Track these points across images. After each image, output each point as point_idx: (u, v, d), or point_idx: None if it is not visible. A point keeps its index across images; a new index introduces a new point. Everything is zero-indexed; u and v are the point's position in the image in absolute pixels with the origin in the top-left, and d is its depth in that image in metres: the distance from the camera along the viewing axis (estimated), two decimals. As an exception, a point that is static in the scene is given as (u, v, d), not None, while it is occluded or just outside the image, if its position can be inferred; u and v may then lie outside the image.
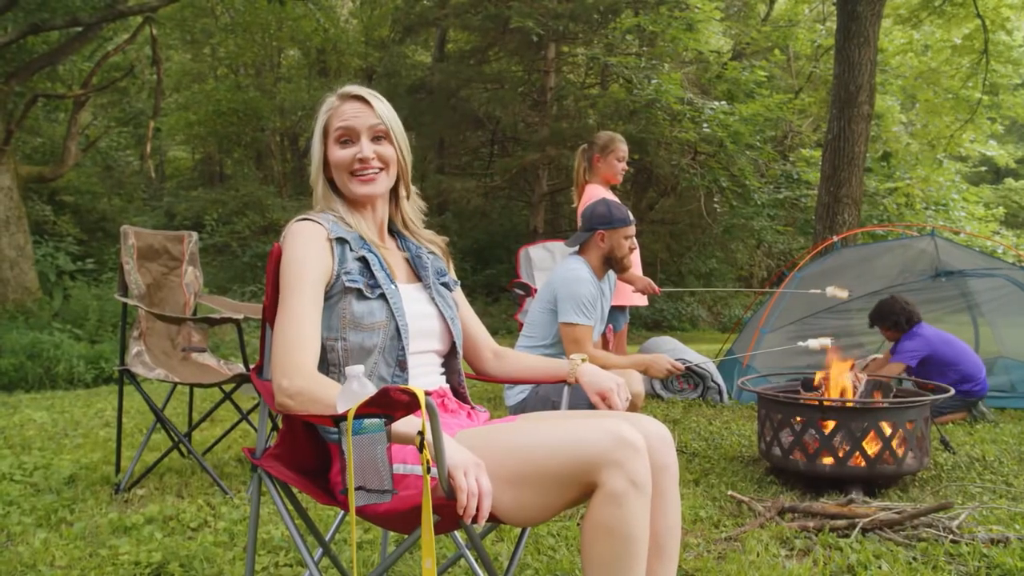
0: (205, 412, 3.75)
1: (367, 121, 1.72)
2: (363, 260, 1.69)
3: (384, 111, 1.74)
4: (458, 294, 1.95)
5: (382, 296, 1.67)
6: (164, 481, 3.46)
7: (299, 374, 1.51)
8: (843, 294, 2.67)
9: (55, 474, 3.56)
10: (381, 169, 1.74)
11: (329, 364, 1.66)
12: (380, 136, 1.74)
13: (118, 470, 3.54)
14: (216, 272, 13.41)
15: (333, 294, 1.65)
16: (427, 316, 1.76)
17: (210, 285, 11.93)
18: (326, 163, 1.75)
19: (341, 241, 1.68)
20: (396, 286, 1.71)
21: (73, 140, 11.41)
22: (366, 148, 1.72)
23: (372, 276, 1.68)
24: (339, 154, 1.72)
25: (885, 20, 12.13)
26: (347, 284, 1.64)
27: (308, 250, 1.63)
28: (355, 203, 1.78)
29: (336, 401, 1.48)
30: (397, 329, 1.67)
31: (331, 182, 1.78)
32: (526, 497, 1.47)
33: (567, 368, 1.89)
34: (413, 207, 1.88)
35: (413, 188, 1.88)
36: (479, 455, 1.44)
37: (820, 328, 5.30)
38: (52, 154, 13.53)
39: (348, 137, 1.72)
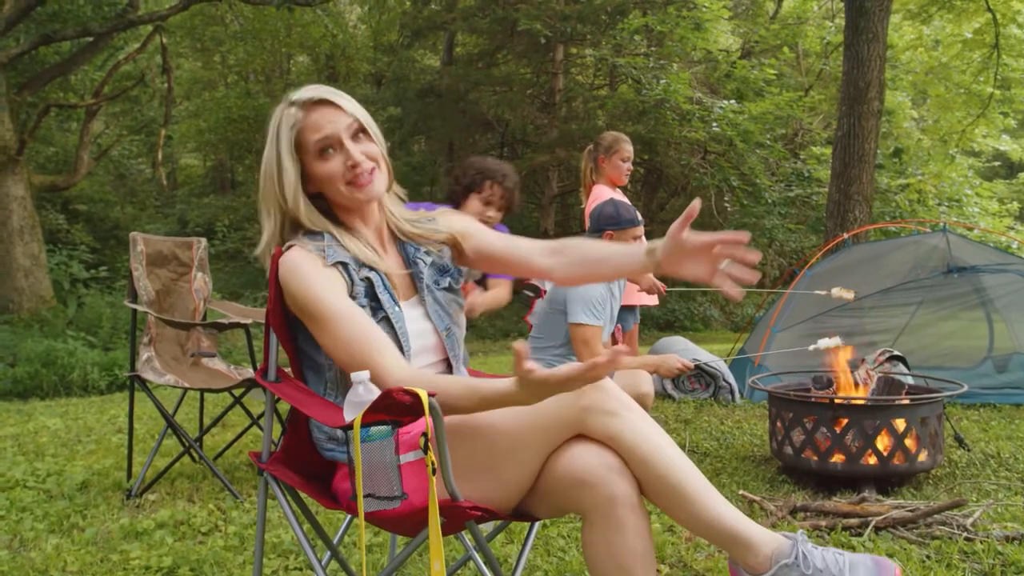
0: (215, 417, 3.77)
1: (342, 123, 1.63)
2: (367, 281, 1.64)
3: (353, 107, 1.66)
4: (482, 234, 1.81)
5: (386, 319, 1.63)
6: (175, 486, 3.47)
7: (402, 380, 1.47)
8: (848, 295, 2.64)
9: (68, 480, 3.58)
10: (373, 168, 1.65)
11: (327, 382, 1.65)
12: (358, 133, 1.65)
13: (130, 476, 3.56)
14: (228, 278, 13.49)
15: None
16: (424, 333, 1.71)
17: (222, 291, 12.00)
18: (305, 182, 1.65)
19: (341, 265, 1.61)
20: (400, 308, 1.67)
21: (85, 149, 11.53)
22: (355, 152, 1.63)
23: (376, 299, 1.63)
24: (327, 167, 1.63)
25: (894, 16, 12.05)
26: None
27: (318, 276, 1.56)
28: (349, 215, 1.70)
29: (345, 407, 1.48)
30: (402, 350, 1.62)
31: (311, 201, 1.67)
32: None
33: (643, 255, 1.60)
34: (393, 199, 1.78)
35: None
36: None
37: (832, 327, 5.26)
38: (65, 163, 13.66)
39: (329, 146, 1.62)
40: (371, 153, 1.65)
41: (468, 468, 1.49)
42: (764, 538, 1.48)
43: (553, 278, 1.75)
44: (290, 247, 1.61)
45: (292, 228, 1.68)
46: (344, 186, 1.64)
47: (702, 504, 1.48)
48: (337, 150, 1.63)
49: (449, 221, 1.82)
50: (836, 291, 2.94)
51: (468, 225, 1.83)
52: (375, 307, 1.63)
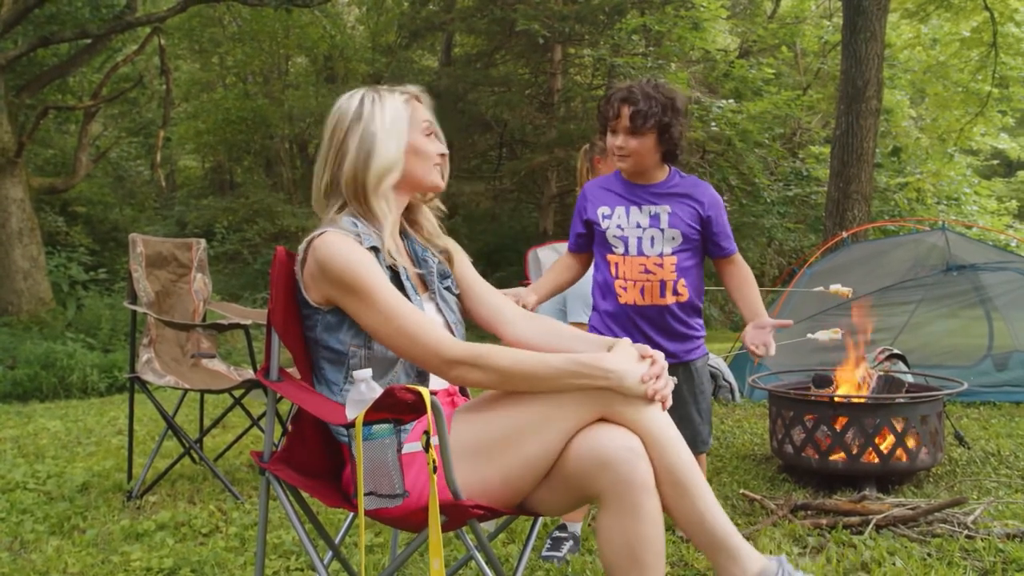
0: (216, 418, 3.77)
1: (433, 119, 1.80)
2: (393, 269, 1.68)
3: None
4: (467, 266, 1.89)
5: None
6: (176, 487, 3.47)
7: (456, 345, 1.54)
8: (846, 291, 2.63)
9: (68, 482, 3.58)
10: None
11: (349, 370, 1.65)
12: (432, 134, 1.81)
13: (130, 477, 3.56)
14: (228, 279, 13.47)
15: None
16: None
17: (222, 292, 11.99)
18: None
19: (374, 250, 1.65)
20: (420, 299, 1.71)
21: (84, 151, 11.51)
22: (443, 145, 1.81)
23: (401, 288, 1.67)
24: (430, 146, 1.77)
25: (892, 14, 12.05)
26: None
27: (361, 253, 1.61)
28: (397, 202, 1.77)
29: (347, 406, 1.49)
30: None
31: None
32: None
33: (609, 346, 1.67)
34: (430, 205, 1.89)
35: None
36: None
37: (832, 325, 5.26)
38: (63, 165, 13.64)
39: (431, 132, 1.78)
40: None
41: (493, 445, 1.52)
42: (752, 554, 1.54)
43: (513, 333, 1.80)
44: (323, 233, 1.63)
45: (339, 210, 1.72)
46: (431, 168, 1.77)
47: (702, 504, 1.51)
48: (435, 137, 1.80)
49: (446, 240, 1.90)
50: (833, 288, 2.93)
51: (460, 252, 1.90)
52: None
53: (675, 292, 2.39)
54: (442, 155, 1.79)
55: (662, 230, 2.38)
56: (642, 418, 1.50)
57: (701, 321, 2.52)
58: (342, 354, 1.66)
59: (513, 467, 1.52)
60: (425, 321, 1.57)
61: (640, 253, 2.38)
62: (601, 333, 2.44)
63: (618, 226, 2.40)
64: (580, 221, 2.50)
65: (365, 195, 1.70)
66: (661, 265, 2.38)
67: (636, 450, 1.48)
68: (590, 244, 2.51)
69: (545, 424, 1.51)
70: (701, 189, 2.45)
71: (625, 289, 2.40)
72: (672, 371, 2.43)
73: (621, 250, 2.40)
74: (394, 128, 1.71)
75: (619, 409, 1.51)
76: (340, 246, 1.59)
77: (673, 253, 2.38)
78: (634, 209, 2.40)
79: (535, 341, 1.77)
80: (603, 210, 2.43)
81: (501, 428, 1.53)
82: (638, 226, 2.39)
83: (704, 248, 2.47)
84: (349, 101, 1.73)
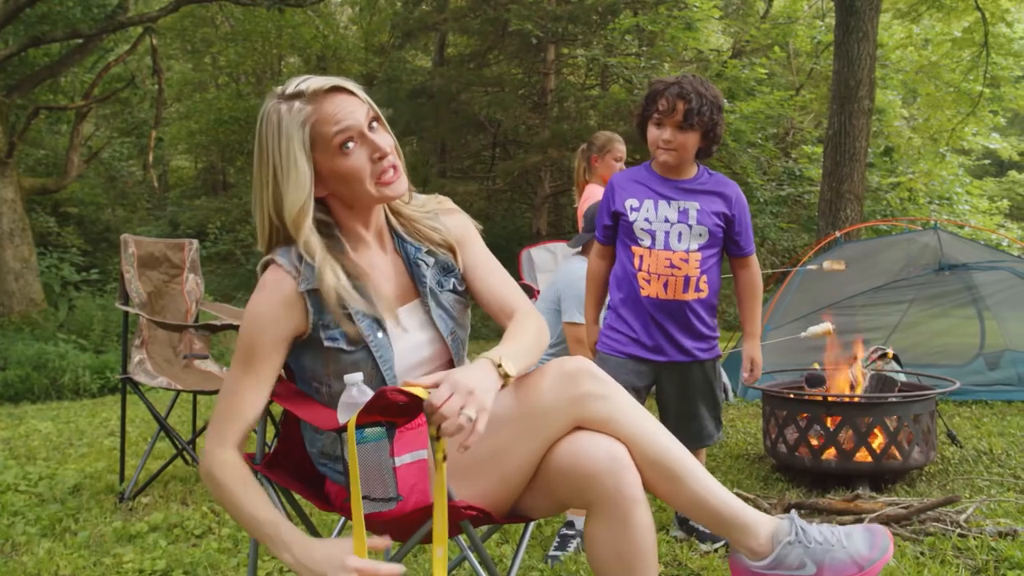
0: (208, 419, 3.75)
1: (361, 112, 1.47)
2: (343, 308, 1.50)
3: (364, 95, 1.51)
4: (474, 252, 1.71)
5: (365, 348, 1.53)
6: (168, 489, 3.46)
7: (212, 452, 1.49)
8: (839, 266, 2.63)
9: (60, 484, 3.56)
10: (396, 163, 1.51)
11: (324, 398, 1.60)
12: (373, 122, 1.49)
13: (122, 479, 3.54)
14: (220, 280, 13.44)
15: (310, 345, 1.53)
16: (420, 345, 1.60)
17: (215, 293, 11.95)
18: (318, 185, 1.50)
19: (313, 293, 1.48)
20: (384, 332, 1.54)
21: (76, 151, 11.45)
22: (381, 141, 1.47)
23: (354, 326, 1.52)
24: (350, 163, 1.45)
25: (884, 15, 12.09)
26: (326, 344, 1.51)
27: (268, 312, 1.49)
28: (352, 219, 1.56)
29: (339, 410, 1.47)
30: (383, 380, 1.54)
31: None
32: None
33: None
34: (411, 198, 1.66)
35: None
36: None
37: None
38: (55, 166, 13.58)
39: (350, 139, 1.45)
40: (389, 144, 1.51)
41: (469, 463, 1.47)
42: (762, 519, 1.48)
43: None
44: (269, 262, 1.51)
45: (279, 240, 1.53)
46: (372, 185, 1.49)
47: (699, 487, 1.46)
48: (358, 143, 1.47)
49: (447, 223, 1.68)
50: (827, 264, 2.93)
51: (465, 235, 1.71)
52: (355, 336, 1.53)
53: (697, 288, 2.40)
54: (379, 157, 1.48)
55: (690, 226, 2.39)
56: (617, 416, 1.45)
57: (715, 322, 2.53)
58: (308, 387, 1.60)
59: (494, 485, 1.49)
60: (229, 415, 1.50)
61: (667, 247, 2.38)
62: (616, 329, 2.46)
63: (646, 219, 2.40)
64: (607, 213, 2.48)
65: (289, 237, 1.49)
66: (687, 260, 2.38)
67: (621, 460, 1.41)
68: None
69: (521, 439, 1.46)
70: (730, 187, 2.47)
71: (648, 282, 2.39)
72: (688, 369, 2.46)
73: (648, 243, 2.39)
74: (300, 165, 1.44)
75: (591, 411, 1.45)
76: (260, 292, 1.50)
77: (699, 249, 2.39)
78: (663, 203, 2.40)
79: None
80: (631, 202, 2.42)
81: (479, 448, 1.43)
82: (666, 220, 2.39)
83: (724, 246, 2.49)
84: (258, 124, 1.48)
